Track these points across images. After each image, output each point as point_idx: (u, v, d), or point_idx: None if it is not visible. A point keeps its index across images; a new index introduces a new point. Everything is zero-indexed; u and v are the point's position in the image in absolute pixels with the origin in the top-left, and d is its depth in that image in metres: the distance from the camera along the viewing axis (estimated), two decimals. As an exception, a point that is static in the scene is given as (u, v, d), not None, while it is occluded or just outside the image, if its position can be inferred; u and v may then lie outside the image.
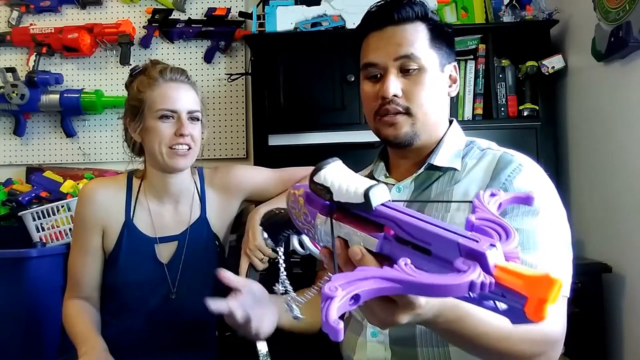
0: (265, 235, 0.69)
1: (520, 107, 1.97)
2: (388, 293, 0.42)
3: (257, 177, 1.35)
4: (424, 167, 0.94)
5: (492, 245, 0.42)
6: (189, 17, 2.31)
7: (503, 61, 2.00)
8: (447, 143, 0.95)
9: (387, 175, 1.02)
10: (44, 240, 1.82)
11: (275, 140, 1.95)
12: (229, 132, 2.30)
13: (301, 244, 0.69)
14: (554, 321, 0.78)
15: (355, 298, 0.40)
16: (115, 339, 1.20)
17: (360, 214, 0.50)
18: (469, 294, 0.41)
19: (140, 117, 1.21)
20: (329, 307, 0.38)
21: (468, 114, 1.98)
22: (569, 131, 2.00)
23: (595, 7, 1.66)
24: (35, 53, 2.28)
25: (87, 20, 2.33)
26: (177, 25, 2.29)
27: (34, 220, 1.84)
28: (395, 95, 0.90)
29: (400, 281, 0.41)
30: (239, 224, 1.37)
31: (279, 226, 0.66)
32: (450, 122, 1.01)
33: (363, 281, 0.41)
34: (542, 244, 0.81)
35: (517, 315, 0.41)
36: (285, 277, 0.69)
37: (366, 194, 0.48)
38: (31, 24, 2.34)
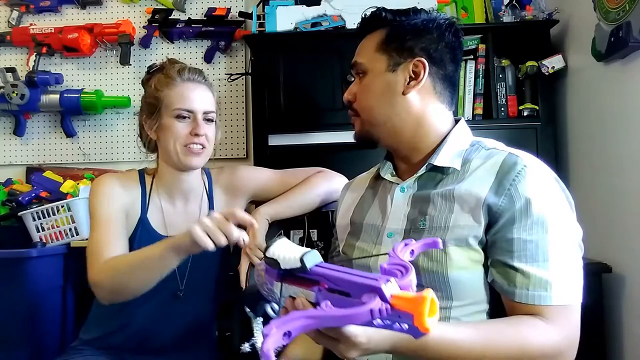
0: (248, 309, 0.85)
1: (520, 107, 1.97)
2: (312, 327, 0.57)
3: (260, 177, 1.35)
4: (424, 167, 0.94)
5: (388, 280, 0.56)
6: (189, 17, 2.31)
7: (503, 61, 2.00)
8: (450, 143, 0.95)
9: (394, 174, 1.03)
10: (44, 240, 1.82)
11: (275, 140, 1.95)
12: (229, 132, 2.30)
13: (273, 310, 0.82)
14: (548, 333, 0.78)
15: (288, 334, 0.54)
16: (116, 337, 1.19)
17: (301, 275, 0.65)
18: (375, 320, 0.55)
19: (157, 115, 1.22)
20: (265, 342, 0.53)
21: (468, 114, 1.98)
22: (569, 131, 2.00)
23: (595, 7, 1.66)
24: (35, 53, 2.28)
25: (87, 20, 2.33)
26: (177, 25, 2.29)
27: (34, 220, 1.84)
28: (349, 101, 1.01)
29: (318, 317, 0.56)
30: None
31: (255, 299, 0.81)
32: (457, 120, 1.00)
33: (292, 321, 0.55)
34: (551, 255, 0.82)
35: (415, 331, 0.54)
36: (255, 339, 0.86)
37: (302, 260, 0.63)
38: (31, 24, 2.34)
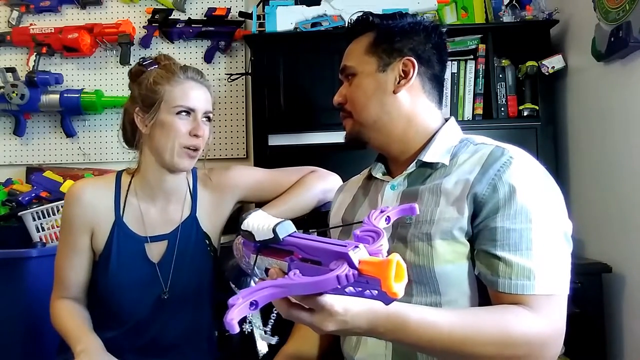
0: (232, 285, 0.85)
1: (520, 107, 1.97)
2: (279, 296, 0.57)
3: (251, 177, 1.34)
4: (414, 163, 0.96)
5: (356, 247, 0.56)
6: (189, 17, 2.31)
7: (503, 61, 2.00)
8: (439, 140, 0.96)
9: (385, 172, 1.04)
10: (44, 240, 1.82)
11: (275, 140, 1.95)
12: (229, 132, 2.30)
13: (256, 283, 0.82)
14: (533, 322, 0.77)
15: (255, 304, 0.54)
16: (113, 338, 1.19)
17: (276, 246, 0.64)
18: (347, 288, 0.55)
19: (155, 110, 1.19)
20: (230, 312, 0.52)
21: (468, 114, 1.98)
22: (569, 131, 2.00)
23: (595, 7, 1.66)
24: (35, 53, 2.28)
25: (87, 20, 2.33)
26: (177, 25, 2.29)
27: (34, 220, 1.84)
28: (340, 103, 1.04)
29: (285, 285, 0.56)
30: (239, 224, 1.37)
31: (236, 273, 0.77)
32: (447, 119, 1.02)
33: (259, 291, 0.55)
34: (534, 244, 0.81)
35: (383, 296, 0.53)
36: (252, 317, 0.83)
37: (274, 230, 0.62)
38: (31, 24, 2.34)
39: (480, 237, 0.85)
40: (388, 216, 0.67)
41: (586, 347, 1.59)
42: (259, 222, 0.65)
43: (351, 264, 0.54)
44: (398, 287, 0.52)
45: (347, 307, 0.65)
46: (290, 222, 0.64)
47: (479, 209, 0.85)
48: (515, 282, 0.80)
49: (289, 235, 0.63)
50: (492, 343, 0.75)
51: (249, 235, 0.66)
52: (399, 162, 1.01)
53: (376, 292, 0.55)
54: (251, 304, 0.54)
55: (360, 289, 0.56)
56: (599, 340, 1.66)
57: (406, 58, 0.97)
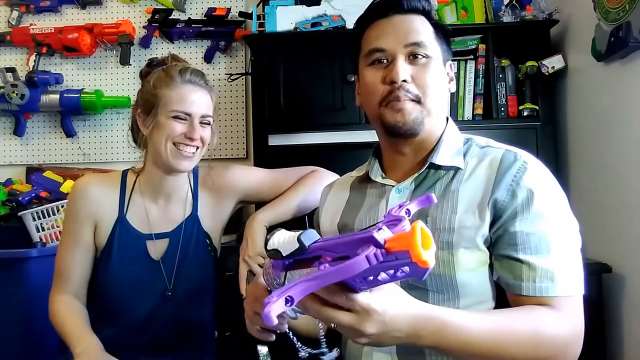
0: None
1: (520, 107, 1.97)
2: (313, 289, 0.56)
3: (251, 178, 1.34)
4: (426, 166, 0.93)
5: (379, 228, 0.56)
6: (189, 17, 2.31)
7: (503, 61, 2.00)
8: (447, 141, 0.94)
9: (384, 176, 0.99)
10: (44, 240, 1.82)
11: (275, 140, 1.95)
12: (229, 132, 2.30)
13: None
14: (558, 323, 0.78)
15: (290, 299, 0.54)
16: (110, 340, 1.19)
17: (304, 257, 0.64)
18: (380, 275, 0.56)
19: (153, 113, 1.21)
20: (267, 306, 0.52)
21: (468, 114, 1.98)
22: (569, 131, 2.00)
23: (595, 7, 1.66)
24: (35, 53, 2.28)
25: (87, 20, 2.33)
26: (177, 25, 2.29)
27: (34, 220, 1.84)
28: (404, 81, 0.89)
29: (316, 277, 0.56)
30: (239, 224, 1.37)
31: None
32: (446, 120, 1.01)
33: (293, 287, 0.55)
34: (553, 246, 0.82)
35: (416, 270, 0.53)
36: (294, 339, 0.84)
37: (299, 239, 0.62)
38: (31, 24, 2.34)
39: (500, 242, 0.85)
40: (408, 209, 0.66)
41: (586, 347, 1.59)
42: (282, 238, 0.65)
43: (377, 244, 0.54)
44: (427, 254, 0.52)
45: (386, 307, 0.63)
46: (313, 230, 0.64)
47: (498, 215, 0.85)
48: (540, 285, 0.80)
49: (314, 242, 0.62)
50: (525, 344, 0.76)
51: (275, 253, 0.65)
52: (405, 161, 0.96)
53: (407, 268, 0.54)
54: (286, 300, 0.53)
55: (392, 270, 0.56)
56: (599, 340, 1.66)
57: (450, 62, 0.99)
